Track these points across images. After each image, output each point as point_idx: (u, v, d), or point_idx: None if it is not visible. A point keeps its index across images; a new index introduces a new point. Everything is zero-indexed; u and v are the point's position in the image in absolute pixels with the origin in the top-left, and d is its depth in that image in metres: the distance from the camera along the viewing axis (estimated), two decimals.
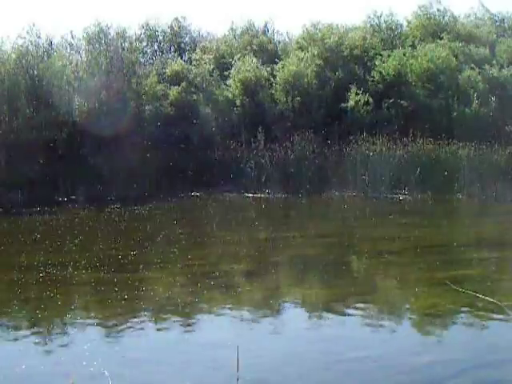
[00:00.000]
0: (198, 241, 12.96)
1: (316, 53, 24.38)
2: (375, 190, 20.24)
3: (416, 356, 6.22)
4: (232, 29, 29.85)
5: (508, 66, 23.08)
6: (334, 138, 22.25)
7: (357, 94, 22.43)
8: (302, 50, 25.00)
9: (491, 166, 19.58)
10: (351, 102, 22.41)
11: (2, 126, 21.14)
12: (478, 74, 22.27)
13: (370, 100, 22.44)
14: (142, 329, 7.22)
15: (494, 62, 23.28)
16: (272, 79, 24.17)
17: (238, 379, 3.64)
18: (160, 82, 23.77)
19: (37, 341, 6.88)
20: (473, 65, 22.64)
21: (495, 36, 25.41)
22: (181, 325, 7.38)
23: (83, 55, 24.16)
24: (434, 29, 25.31)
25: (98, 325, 7.38)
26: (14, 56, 21.88)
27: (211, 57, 25.93)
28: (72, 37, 24.35)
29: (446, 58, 22.48)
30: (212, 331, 7.16)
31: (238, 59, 24.78)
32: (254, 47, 26.95)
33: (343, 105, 22.63)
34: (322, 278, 9.90)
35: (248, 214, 17.79)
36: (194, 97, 23.78)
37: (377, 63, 23.36)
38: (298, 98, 23.30)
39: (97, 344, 6.67)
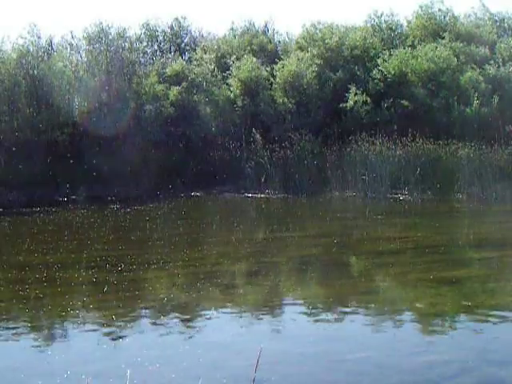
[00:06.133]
0: (198, 241, 12.96)
1: (316, 53, 24.38)
2: (375, 190, 20.22)
3: (416, 356, 6.22)
4: (232, 29, 29.88)
5: (509, 67, 23.04)
6: (334, 138, 22.26)
7: (355, 94, 22.41)
8: (302, 50, 24.99)
9: (491, 166, 19.54)
10: (350, 102, 22.39)
11: (2, 125, 21.16)
12: (479, 75, 22.24)
13: (369, 100, 22.42)
14: (141, 329, 7.23)
15: (494, 61, 23.25)
16: (272, 79, 24.17)
17: (254, 380, 3.69)
18: (160, 82, 23.76)
19: (36, 340, 6.88)
20: (474, 65, 22.61)
21: (496, 36, 25.38)
22: (181, 325, 7.38)
23: (83, 55, 24.23)
24: (434, 29, 25.26)
25: (97, 325, 7.37)
26: (14, 56, 21.96)
27: (212, 56, 25.92)
28: (72, 37, 24.42)
29: (448, 57, 22.46)
30: (212, 331, 7.15)
31: (238, 59, 24.78)
32: (254, 47, 26.94)
33: (343, 105, 22.61)
34: (322, 278, 9.90)
35: (248, 214, 17.80)
36: (195, 97, 23.78)
37: (379, 62, 23.33)
38: (298, 98, 23.29)
39: (96, 344, 6.67)
